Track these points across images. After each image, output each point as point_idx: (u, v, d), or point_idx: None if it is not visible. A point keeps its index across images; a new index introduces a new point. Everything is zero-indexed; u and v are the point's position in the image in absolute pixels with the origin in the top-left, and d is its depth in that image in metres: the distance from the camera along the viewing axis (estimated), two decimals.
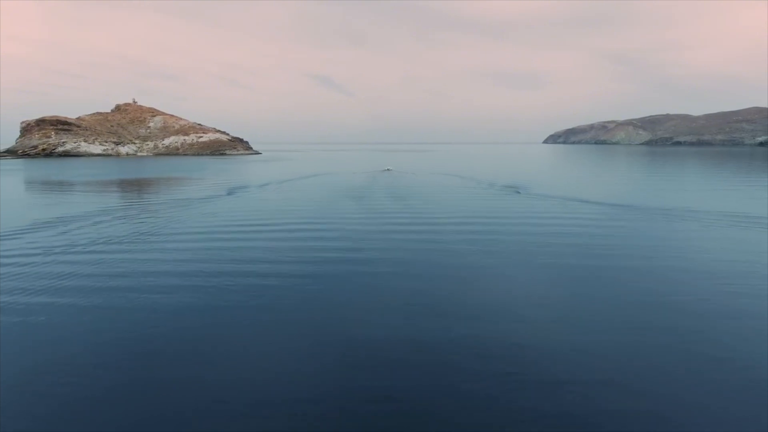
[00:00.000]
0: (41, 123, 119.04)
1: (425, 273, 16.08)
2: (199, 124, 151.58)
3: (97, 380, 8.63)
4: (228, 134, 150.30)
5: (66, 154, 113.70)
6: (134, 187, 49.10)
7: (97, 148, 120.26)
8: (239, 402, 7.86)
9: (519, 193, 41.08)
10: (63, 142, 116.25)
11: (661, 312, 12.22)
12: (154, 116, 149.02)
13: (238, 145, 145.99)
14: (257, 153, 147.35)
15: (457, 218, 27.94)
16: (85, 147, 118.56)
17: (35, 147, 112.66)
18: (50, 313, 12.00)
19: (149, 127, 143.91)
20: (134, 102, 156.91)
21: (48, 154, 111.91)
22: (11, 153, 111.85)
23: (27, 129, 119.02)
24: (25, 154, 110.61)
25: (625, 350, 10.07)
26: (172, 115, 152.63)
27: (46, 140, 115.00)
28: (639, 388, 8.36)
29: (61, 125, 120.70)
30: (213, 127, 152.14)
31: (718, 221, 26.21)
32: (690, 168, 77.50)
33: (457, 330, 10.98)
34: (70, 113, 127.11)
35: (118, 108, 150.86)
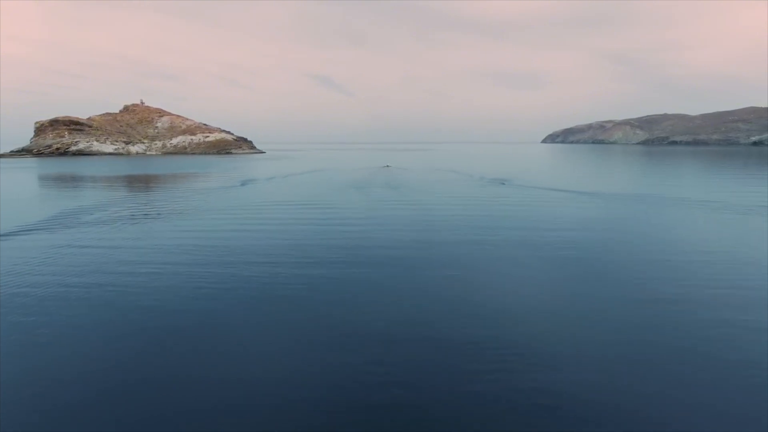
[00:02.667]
0: (55, 123, 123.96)
1: (421, 260, 17.21)
2: (204, 124, 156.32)
3: (98, 380, 8.52)
4: (233, 134, 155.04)
5: (79, 153, 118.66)
6: (156, 181, 53.86)
7: (108, 148, 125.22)
8: (239, 402, 7.77)
9: (503, 184, 46.06)
10: (76, 142, 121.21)
11: (653, 303, 12.44)
12: (162, 116, 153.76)
13: (243, 144, 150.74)
14: (261, 152, 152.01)
15: (447, 204, 32.92)
16: (97, 146, 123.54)
17: (50, 146, 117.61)
18: (51, 311, 11.92)
19: (157, 127, 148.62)
20: (142, 103, 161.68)
21: (62, 153, 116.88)
22: (27, 152, 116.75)
23: (41, 129, 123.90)
24: (40, 153, 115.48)
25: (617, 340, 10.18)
26: (178, 116, 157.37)
27: (60, 140, 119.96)
28: (637, 386, 8.25)
29: (74, 125, 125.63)
30: (217, 127, 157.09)
31: (687, 208, 31.08)
32: (667, 164, 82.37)
33: (452, 320, 11.25)
34: (71, 113, 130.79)
35: (126, 108, 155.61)
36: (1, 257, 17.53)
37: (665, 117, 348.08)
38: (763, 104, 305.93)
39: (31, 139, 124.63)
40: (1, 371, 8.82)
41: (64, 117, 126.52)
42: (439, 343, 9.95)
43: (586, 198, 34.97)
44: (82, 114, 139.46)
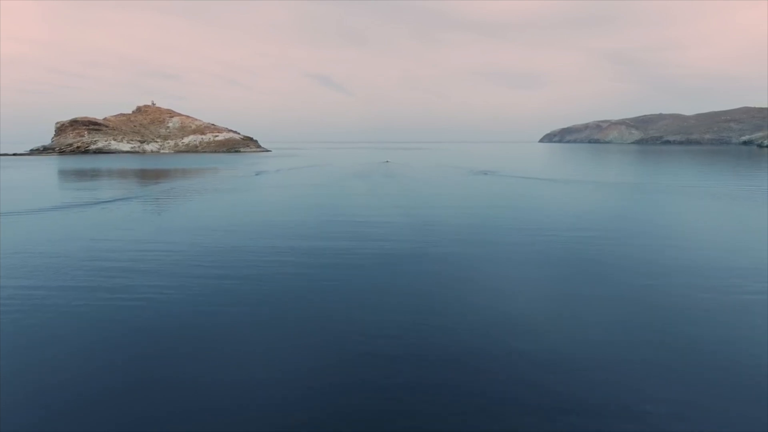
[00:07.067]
0: (74, 123, 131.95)
1: (417, 242, 18.65)
2: (212, 124, 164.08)
3: (97, 379, 8.42)
4: (239, 133, 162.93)
5: (99, 152, 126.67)
6: (183, 174, 61.53)
7: (125, 146, 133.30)
8: (239, 402, 7.72)
9: (486, 175, 54.13)
10: (95, 141, 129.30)
11: (647, 297, 12.39)
12: (172, 117, 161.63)
13: (250, 143, 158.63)
14: (268, 150, 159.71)
15: (438, 191, 40.92)
16: (115, 145, 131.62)
17: (71, 145, 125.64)
18: (51, 309, 11.74)
19: (168, 127, 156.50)
20: (153, 104, 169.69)
21: (83, 151, 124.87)
22: (51, 150, 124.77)
23: (61, 129, 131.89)
24: (61, 152, 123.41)
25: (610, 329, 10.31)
26: (188, 116, 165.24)
27: (80, 139, 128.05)
28: (636, 385, 8.08)
29: (92, 125, 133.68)
30: (225, 126, 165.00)
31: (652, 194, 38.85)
32: (645, 161, 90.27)
33: (451, 313, 11.33)
34: (73, 112, 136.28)
35: (138, 109, 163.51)
36: (4, 249, 17.61)
37: (661, 117, 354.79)
38: (762, 103, 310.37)
39: (53, 138, 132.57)
40: (1, 370, 8.70)
41: (82, 117, 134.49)
42: (440, 340, 9.86)
43: (557, 185, 43.09)
44: (86, 113, 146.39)
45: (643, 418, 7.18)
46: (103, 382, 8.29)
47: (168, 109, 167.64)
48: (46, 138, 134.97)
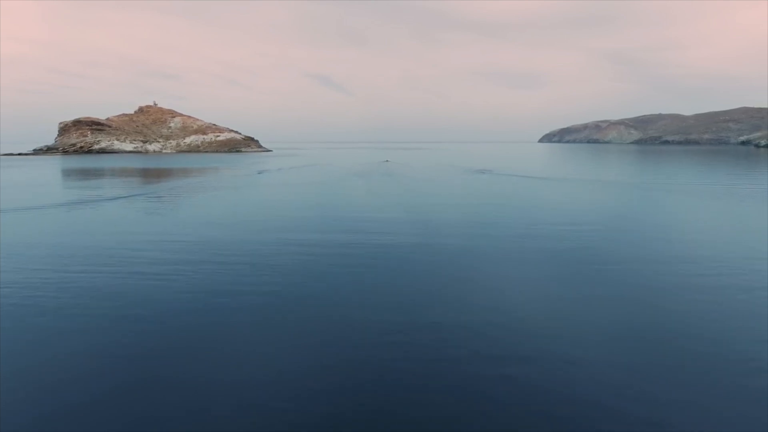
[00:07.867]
0: (78, 123, 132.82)
1: (416, 236, 19.34)
2: (214, 124, 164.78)
3: (97, 379, 8.38)
4: (240, 133, 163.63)
5: (102, 151, 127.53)
6: (177, 174, 62.18)
7: (128, 146, 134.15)
8: (238, 402, 7.66)
9: (484, 174, 54.81)
10: (98, 141, 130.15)
11: (642, 295, 12.40)
12: (174, 117, 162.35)
13: (251, 143, 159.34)
14: (269, 150, 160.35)
15: (438, 191, 41.44)
16: (118, 145, 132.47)
17: (74, 145, 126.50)
18: (50, 308, 11.67)
19: (170, 127, 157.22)
20: (155, 104, 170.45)
21: (86, 151, 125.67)
22: (53, 150, 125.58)
23: (65, 129, 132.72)
24: (65, 152, 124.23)
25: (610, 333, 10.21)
26: (189, 116, 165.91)
27: (83, 139, 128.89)
28: (635, 386, 8.04)
29: (95, 125, 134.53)
30: (226, 126, 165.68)
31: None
32: (635, 161, 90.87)
33: (449, 310, 11.44)
34: (73, 113, 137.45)
35: (140, 109, 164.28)
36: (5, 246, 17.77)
37: (660, 117, 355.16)
38: (761, 103, 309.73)
39: (56, 138, 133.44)
40: (1, 370, 8.66)
41: (85, 117, 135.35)
42: (440, 339, 9.89)
43: (554, 183, 43.70)
44: (86, 113, 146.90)
45: (641, 416, 7.20)
46: (102, 382, 8.27)
47: (170, 110, 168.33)
48: (47, 138, 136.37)
